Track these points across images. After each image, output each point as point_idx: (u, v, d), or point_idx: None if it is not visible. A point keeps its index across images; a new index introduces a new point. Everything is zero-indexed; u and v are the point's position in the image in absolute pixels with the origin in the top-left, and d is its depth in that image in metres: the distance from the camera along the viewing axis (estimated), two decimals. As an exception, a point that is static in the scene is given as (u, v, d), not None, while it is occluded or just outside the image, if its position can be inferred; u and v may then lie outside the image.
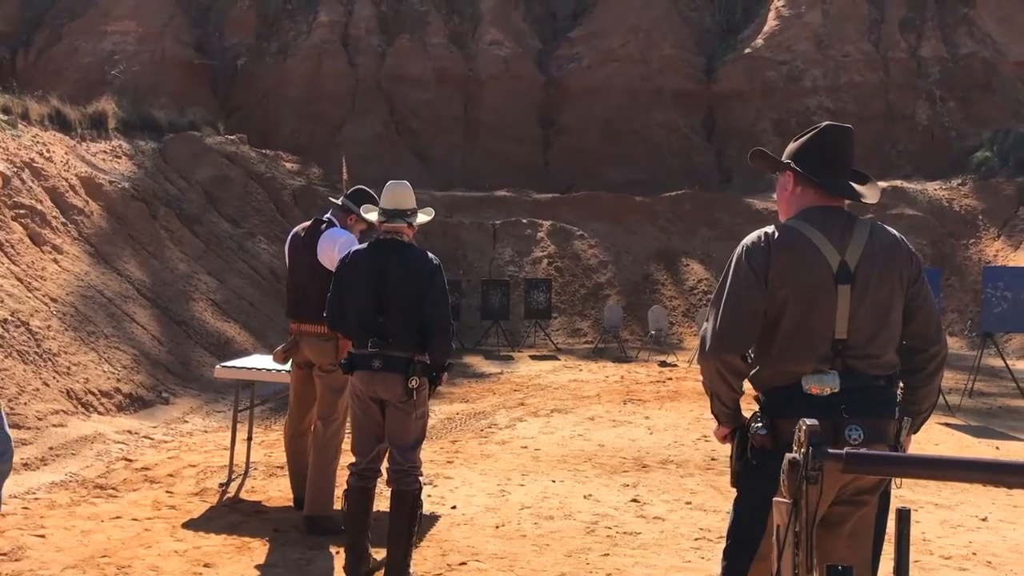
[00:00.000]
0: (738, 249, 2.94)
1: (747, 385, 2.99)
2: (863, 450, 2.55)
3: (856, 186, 3.04)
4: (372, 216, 4.67)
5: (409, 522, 4.43)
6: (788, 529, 1.92)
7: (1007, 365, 11.77)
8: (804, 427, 1.96)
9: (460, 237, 18.61)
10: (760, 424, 2.86)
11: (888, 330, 2.86)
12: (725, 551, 3.02)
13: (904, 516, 1.77)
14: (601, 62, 23.36)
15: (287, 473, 6.33)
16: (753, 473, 2.90)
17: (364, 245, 4.60)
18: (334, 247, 5.29)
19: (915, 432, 3.01)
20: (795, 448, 1.98)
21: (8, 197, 10.39)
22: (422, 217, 4.69)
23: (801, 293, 2.83)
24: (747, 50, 23.58)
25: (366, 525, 4.56)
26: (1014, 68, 22.74)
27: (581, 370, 13.65)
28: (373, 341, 4.37)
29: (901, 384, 2.97)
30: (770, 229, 2.92)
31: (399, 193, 4.58)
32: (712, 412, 3.03)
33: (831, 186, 2.94)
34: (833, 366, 2.80)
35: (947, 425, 9.54)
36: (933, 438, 8.76)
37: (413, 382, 4.33)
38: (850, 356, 2.80)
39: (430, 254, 4.50)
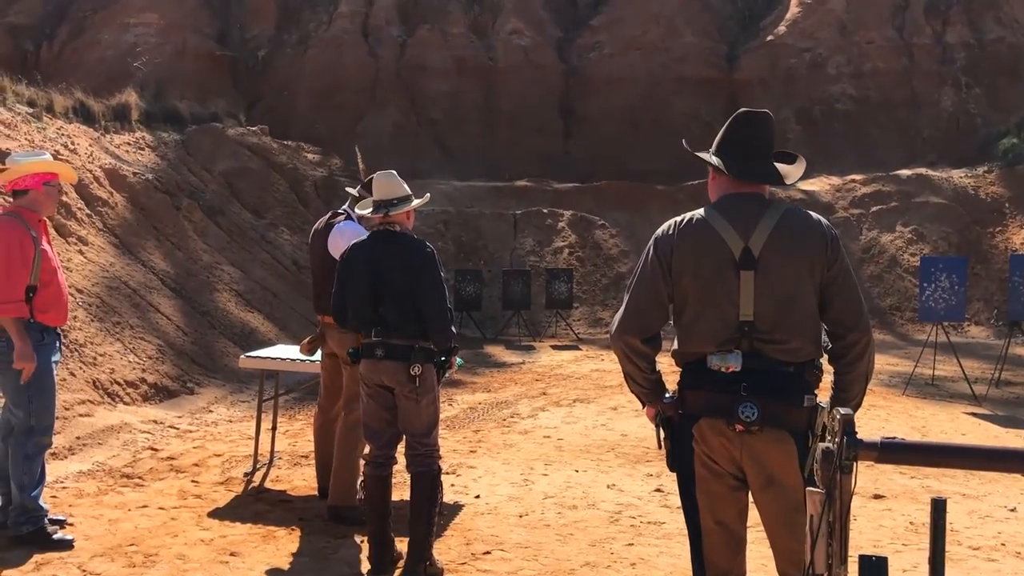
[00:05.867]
0: (652, 238, 3.04)
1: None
2: (756, 428, 2.73)
3: (781, 166, 3.06)
4: (366, 211, 4.68)
5: (428, 502, 4.46)
6: (822, 519, 1.90)
7: (1035, 354, 11.63)
8: (839, 416, 1.94)
9: (481, 227, 18.60)
10: (669, 395, 2.99)
11: (794, 317, 2.85)
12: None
13: (940, 507, 1.74)
14: (622, 50, 23.23)
15: (313, 462, 6.37)
16: (671, 446, 3.00)
17: (363, 238, 4.63)
18: (343, 241, 5.28)
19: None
20: (829, 438, 1.96)
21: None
22: (414, 203, 4.68)
23: (701, 280, 2.90)
24: (769, 37, 23.36)
25: (387, 513, 4.59)
26: (1041, 53, 22.42)
27: (603, 360, 13.61)
28: (376, 330, 4.45)
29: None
30: (680, 218, 3.02)
31: (386, 184, 4.60)
32: (632, 392, 3.11)
33: (737, 172, 2.97)
34: (739, 347, 2.85)
35: (974, 415, 9.46)
36: (960, 428, 8.69)
37: (415, 369, 4.38)
38: (757, 339, 2.85)
39: (425, 243, 4.52)
